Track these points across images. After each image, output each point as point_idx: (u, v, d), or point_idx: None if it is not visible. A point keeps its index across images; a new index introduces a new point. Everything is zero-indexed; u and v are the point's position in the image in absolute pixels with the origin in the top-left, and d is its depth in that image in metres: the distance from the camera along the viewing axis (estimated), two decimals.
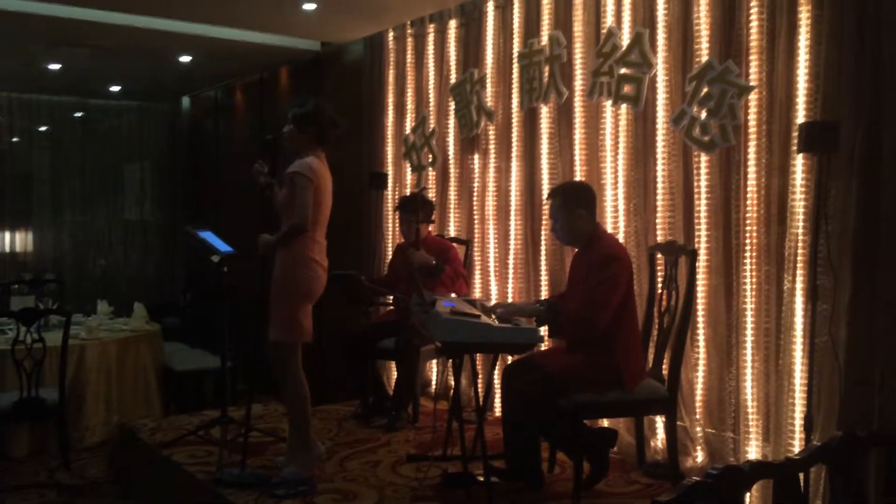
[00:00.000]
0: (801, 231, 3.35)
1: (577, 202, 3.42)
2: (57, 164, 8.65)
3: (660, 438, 3.90)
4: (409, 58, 5.60)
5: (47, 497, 4.24)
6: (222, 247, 4.22)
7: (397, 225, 5.03)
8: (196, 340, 6.32)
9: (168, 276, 8.93)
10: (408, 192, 5.61)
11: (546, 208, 4.45)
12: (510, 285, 4.84)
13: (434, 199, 5.39)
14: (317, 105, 3.67)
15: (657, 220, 3.96)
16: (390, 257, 5.38)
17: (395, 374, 5.12)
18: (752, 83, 3.54)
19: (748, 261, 3.60)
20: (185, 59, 6.81)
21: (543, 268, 4.63)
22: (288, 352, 3.62)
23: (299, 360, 3.65)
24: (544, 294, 4.56)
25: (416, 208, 4.54)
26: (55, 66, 7.08)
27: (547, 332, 3.39)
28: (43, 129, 8.66)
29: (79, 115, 8.79)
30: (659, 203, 3.96)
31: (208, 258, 4.19)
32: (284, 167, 3.69)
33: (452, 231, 5.28)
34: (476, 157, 5.12)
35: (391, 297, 4.78)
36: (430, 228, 4.86)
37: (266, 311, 3.67)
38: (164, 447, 4.20)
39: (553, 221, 3.50)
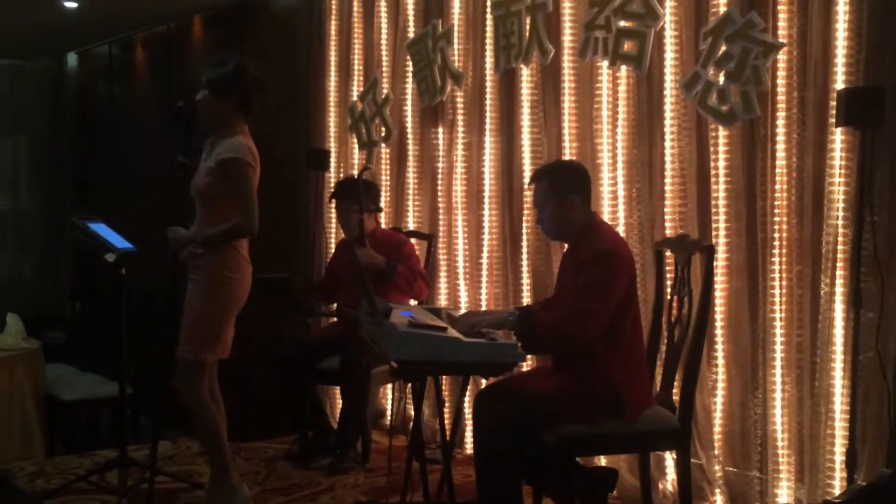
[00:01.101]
0: (840, 223, 3.39)
1: (569, 186, 3.42)
2: None
3: (670, 479, 3.93)
4: (357, 6, 5.58)
5: None
6: (119, 243, 4.17)
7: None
8: (87, 362, 6.23)
9: (51, 281, 8.79)
10: (354, 174, 5.58)
11: (529, 194, 4.46)
12: (483, 290, 4.84)
13: (387, 183, 5.37)
14: (237, 64, 3.67)
15: (665, 210, 3.98)
16: (331, 257, 5.36)
17: (339, 402, 5.10)
18: (782, 40, 3.57)
19: (777, 259, 3.63)
20: (71, 4, 6.70)
21: (525, 269, 4.64)
22: (200, 372, 3.63)
23: (206, 382, 3.68)
24: (526, 301, 4.57)
25: (356, 195, 4.53)
26: None
27: (521, 347, 3.38)
28: None
29: None
30: (667, 188, 3.97)
31: (101, 257, 4.14)
32: (200, 141, 3.67)
33: (411, 223, 5.27)
34: (441, 130, 5.11)
35: (334, 307, 4.76)
36: (377, 219, 4.85)
37: (178, 323, 3.66)
38: (48, 497, 4.13)
39: (538, 211, 3.50)
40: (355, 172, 5.46)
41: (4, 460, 4.94)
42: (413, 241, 4.96)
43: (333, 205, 4.87)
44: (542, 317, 3.34)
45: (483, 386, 4.38)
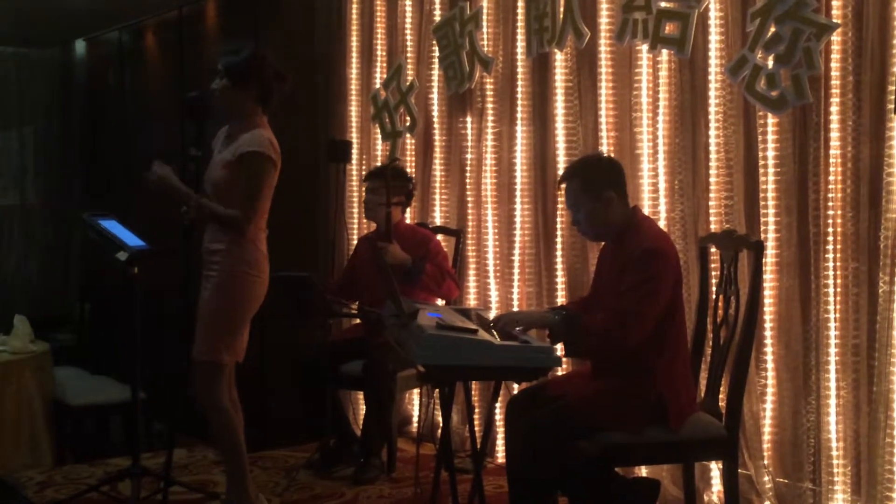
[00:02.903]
0: None
1: (603, 182, 3.40)
2: None
3: (716, 491, 3.91)
4: None
5: None
6: (132, 240, 4.20)
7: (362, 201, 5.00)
8: (97, 365, 6.27)
9: (59, 280, 8.85)
10: (378, 165, 5.59)
11: (560, 193, 4.44)
12: (515, 289, 4.84)
13: (413, 176, 5.37)
14: (254, 53, 3.72)
15: (710, 203, 3.97)
16: (352, 253, 5.36)
17: (363, 409, 5.10)
18: (836, 20, 3.54)
19: (830, 256, 3.61)
20: None
21: (559, 266, 4.63)
22: (218, 375, 3.67)
23: (226, 387, 3.72)
24: (560, 301, 4.56)
25: (386, 186, 4.53)
26: None
27: (563, 350, 3.37)
28: None
29: None
30: (713, 180, 3.96)
31: (113, 255, 4.16)
32: (214, 132, 3.69)
33: (438, 218, 5.27)
34: (469, 119, 5.11)
35: (356, 307, 4.76)
36: (404, 213, 4.84)
37: (192, 323, 3.68)
38: None
39: (573, 212, 3.48)
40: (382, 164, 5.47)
41: (12, 469, 4.98)
42: (440, 237, 4.96)
43: (364, 187, 4.87)
44: (587, 320, 3.33)
45: (515, 391, 4.37)
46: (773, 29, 3.66)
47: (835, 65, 3.58)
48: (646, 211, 4.12)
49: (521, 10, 4.74)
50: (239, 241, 3.65)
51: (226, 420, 3.71)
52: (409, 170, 5.40)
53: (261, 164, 3.60)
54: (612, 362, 3.37)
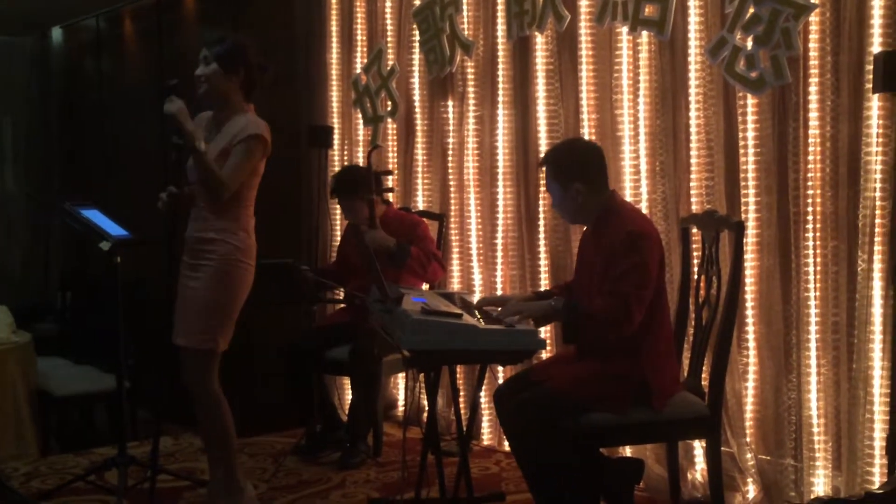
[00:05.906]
0: (878, 195, 3.39)
1: (571, 174, 3.40)
2: None
3: (699, 469, 3.96)
4: None
5: None
6: (113, 229, 4.19)
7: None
8: (81, 354, 6.27)
9: (40, 270, 8.82)
10: (360, 151, 5.60)
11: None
12: (499, 273, 4.86)
13: (394, 160, 5.38)
14: (237, 42, 3.73)
15: (691, 184, 3.99)
16: (339, 239, 5.37)
17: (349, 394, 5.13)
18: (814, 1, 3.55)
19: (810, 235, 3.65)
20: None
21: (542, 249, 4.66)
22: (213, 361, 3.69)
23: (216, 373, 3.74)
24: (544, 284, 4.59)
25: (363, 185, 4.54)
26: None
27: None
28: None
29: None
30: (693, 161, 3.98)
31: (95, 245, 4.16)
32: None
33: (421, 203, 5.28)
34: (450, 103, 5.12)
35: (342, 293, 4.78)
36: (386, 200, 4.85)
37: (172, 311, 3.70)
38: (44, 498, 4.18)
39: (551, 196, 3.52)
40: (359, 161, 5.47)
41: None
42: (423, 220, 4.96)
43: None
44: (587, 306, 3.34)
45: (500, 375, 4.41)
46: (751, 10, 3.68)
47: (813, 45, 3.61)
48: (627, 192, 4.16)
49: None
50: (233, 230, 3.67)
51: (219, 405, 3.73)
52: (390, 154, 5.41)
53: (256, 146, 3.64)
54: (608, 346, 3.38)
